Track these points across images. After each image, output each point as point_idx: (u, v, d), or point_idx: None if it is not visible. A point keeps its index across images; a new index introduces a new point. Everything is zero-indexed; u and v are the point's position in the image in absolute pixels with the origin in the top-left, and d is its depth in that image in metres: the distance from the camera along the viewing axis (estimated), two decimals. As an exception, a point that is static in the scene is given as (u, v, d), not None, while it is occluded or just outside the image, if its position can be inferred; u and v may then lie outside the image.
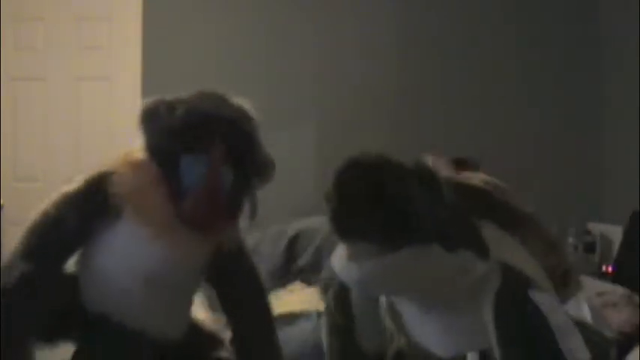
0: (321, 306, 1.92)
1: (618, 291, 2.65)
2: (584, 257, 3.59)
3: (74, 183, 1.31)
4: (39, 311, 1.17)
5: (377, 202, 1.03)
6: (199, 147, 1.15)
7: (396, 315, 1.31)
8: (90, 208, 1.21)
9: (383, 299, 1.35)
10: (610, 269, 3.36)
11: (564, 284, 1.35)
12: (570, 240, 3.63)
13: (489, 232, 1.25)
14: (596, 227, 3.73)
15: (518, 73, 3.97)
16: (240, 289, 1.33)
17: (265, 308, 1.36)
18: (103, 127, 4.00)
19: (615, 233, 3.56)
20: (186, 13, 3.99)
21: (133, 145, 1.26)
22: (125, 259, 1.19)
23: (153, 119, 1.22)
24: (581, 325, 1.38)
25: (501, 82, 3.98)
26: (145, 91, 3.95)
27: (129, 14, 3.95)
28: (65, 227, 1.19)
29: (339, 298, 1.36)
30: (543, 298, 1.20)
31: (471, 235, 1.21)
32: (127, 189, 1.20)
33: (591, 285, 2.68)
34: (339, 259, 1.11)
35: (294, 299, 2.50)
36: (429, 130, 3.96)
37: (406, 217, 1.05)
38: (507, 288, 1.19)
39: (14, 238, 4.22)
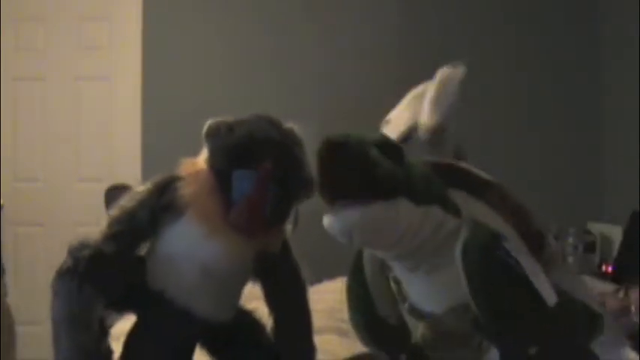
0: None
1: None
2: (584, 257, 3.59)
3: (147, 184, 1.61)
4: (112, 283, 1.43)
5: (343, 168, 1.28)
6: (249, 164, 1.40)
7: (399, 286, 1.49)
8: (158, 205, 1.48)
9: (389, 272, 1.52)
10: (610, 269, 3.36)
11: (540, 247, 1.43)
12: (570, 240, 3.63)
13: (458, 196, 1.41)
14: (596, 227, 3.74)
15: (518, 72, 3.98)
16: (283, 284, 1.53)
17: (303, 303, 1.55)
18: (103, 127, 4.00)
19: (615, 233, 3.56)
20: (186, 13, 3.99)
21: (200, 155, 1.56)
22: (184, 249, 1.43)
23: (214, 137, 1.53)
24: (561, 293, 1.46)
25: (501, 82, 3.98)
26: (145, 91, 3.95)
27: (129, 14, 3.95)
28: (138, 219, 1.46)
29: (355, 268, 1.57)
30: (511, 245, 1.33)
31: (439, 194, 1.38)
32: (189, 193, 1.45)
33: (591, 285, 2.68)
34: (325, 219, 1.32)
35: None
36: (429, 130, 3.96)
37: (364, 175, 1.27)
38: (474, 237, 1.32)
39: (14, 238, 4.26)
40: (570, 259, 3.57)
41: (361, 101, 3.96)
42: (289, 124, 1.58)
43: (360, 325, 1.58)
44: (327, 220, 1.31)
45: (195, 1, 4.02)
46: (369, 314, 1.54)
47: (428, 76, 1.84)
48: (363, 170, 1.27)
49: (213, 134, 1.52)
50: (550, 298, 1.31)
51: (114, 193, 4.07)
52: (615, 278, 3.14)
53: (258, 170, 1.39)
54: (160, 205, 1.48)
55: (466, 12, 3.98)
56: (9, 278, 3.85)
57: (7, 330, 3.78)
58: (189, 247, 1.43)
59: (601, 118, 3.96)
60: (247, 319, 1.56)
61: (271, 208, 1.39)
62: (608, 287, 2.71)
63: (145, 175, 3.94)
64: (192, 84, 3.98)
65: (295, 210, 1.49)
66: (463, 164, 1.59)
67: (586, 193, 3.93)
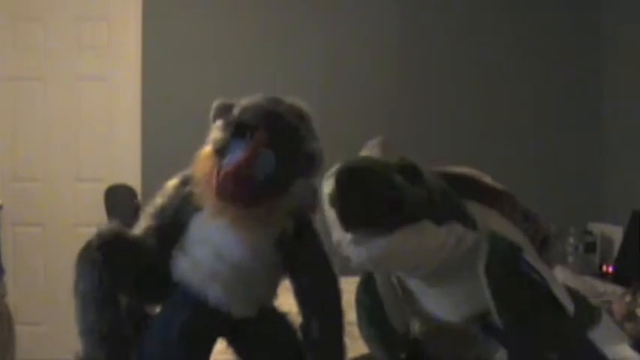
0: None
1: (618, 291, 2.65)
2: (584, 257, 3.59)
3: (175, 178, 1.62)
4: (125, 264, 1.44)
5: (369, 195, 1.24)
6: (245, 136, 1.40)
7: (407, 293, 1.49)
8: (182, 197, 1.49)
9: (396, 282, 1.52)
10: (610, 269, 3.36)
11: (545, 250, 1.50)
12: (570, 240, 3.62)
13: (473, 207, 1.42)
14: (596, 227, 3.73)
15: (518, 72, 3.98)
16: (311, 279, 1.49)
17: (333, 300, 1.50)
18: (102, 127, 4.00)
19: (615, 233, 3.56)
20: (185, 12, 3.99)
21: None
22: (201, 235, 1.44)
23: (216, 116, 1.56)
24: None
25: (502, 81, 3.98)
26: (145, 91, 3.95)
27: (129, 14, 3.95)
28: (166, 214, 1.50)
29: (366, 283, 1.56)
30: (529, 255, 1.36)
31: (457, 209, 1.38)
32: (197, 177, 1.46)
33: (591, 285, 2.68)
34: (346, 246, 1.29)
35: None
36: (430, 130, 3.96)
37: (393, 203, 1.25)
38: (495, 252, 1.34)
39: (14, 238, 4.26)
40: (570, 259, 3.57)
41: (361, 101, 3.97)
42: (294, 100, 1.56)
43: (375, 338, 1.56)
44: (351, 249, 1.28)
45: (194, 1, 4.02)
46: (384, 326, 1.53)
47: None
48: (390, 197, 1.24)
49: (216, 115, 1.54)
50: (570, 306, 1.35)
51: (114, 193, 4.10)
52: (615, 278, 3.14)
53: (253, 138, 1.38)
54: (183, 197, 1.49)
55: (466, 11, 3.98)
56: (9, 278, 3.85)
57: (7, 330, 3.78)
58: (204, 232, 1.44)
59: (601, 118, 3.95)
60: (275, 319, 1.52)
61: (265, 175, 1.36)
62: (611, 288, 2.71)
63: (145, 175, 3.94)
64: (192, 84, 3.97)
65: (314, 191, 1.45)
66: (471, 171, 1.60)
67: (586, 193, 3.93)
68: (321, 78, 3.96)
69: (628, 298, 2.39)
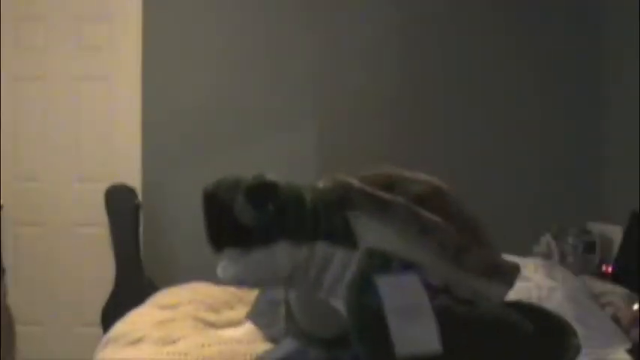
0: None
1: (618, 291, 2.65)
2: (584, 257, 3.59)
3: None
4: None
5: (216, 219, 1.34)
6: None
7: (289, 307, 1.54)
8: None
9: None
10: (610, 269, 3.36)
11: (461, 260, 1.39)
12: (570, 240, 3.63)
13: (361, 221, 1.38)
14: (596, 227, 3.73)
15: (518, 73, 3.97)
16: None
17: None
18: (103, 127, 4.00)
19: (615, 233, 3.56)
20: (186, 12, 3.99)
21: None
22: None
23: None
24: (526, 306, 1.46)
25: (502, 82, 3.98)
26: (145, 91, 3.95)
27: (129, 14, 3.95)
28: None
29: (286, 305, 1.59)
30: (389, 277, 1.28)
31: (326, 228, 1.36)
32: None
33: (591, 285, 2.69)
34: (219, 269, 1.37)
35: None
36: (430, 131, 3.96)
37: (236, 227, 1.31)
38: (358, 270, 1.31)
39: (14, 238, 4.27)
40: (570, 259, 3.57)
41: (361, 101, 3.97)
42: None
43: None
44: (218, 270, 1.35)
45: (194, 1, 4.02)
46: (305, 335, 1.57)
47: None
48: (229, 221, 1.31)
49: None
50: (405, 344, 1.24)
51: (114, 193, 4.12)
52: (615, 278, 3.14)
53: None
54: None
55: (466, 12, 3.98)
56: (9, 278, 3.86)
57: (7, 330, 3.78)
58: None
59: (601, 118, 3.95)
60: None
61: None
62: (610, 288, 2.71)
63: (145, 175, 3.94)
64: (192, 84, 3.98)
65: None
66: (380, 175, 1.53)
67: (586, 193, 3.93)
68: (321, 78, 3.96)
69: (636, 306, 2.40)
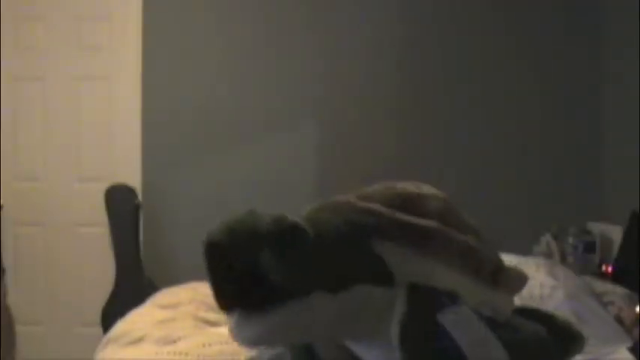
0: None
1: (618, 291, 2.65)
2: (584, 257, 3.59)
3: None
4: None
5: (231, 276, 1.11)
6: None
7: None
8: None
9: None
10: (610, 269, 3.36)
11: (494, 281, 1.32)
12: (570, 240, 3.63)
13: (393, 254, 1.23)
14: (596, 227, 3.74)
15: (518, 73, 3.98)
16: None
17: None
18: (102, 127, 4.00)
19: (615, 233, 3.56)
20: (186, 13, 3.99)
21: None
22: None
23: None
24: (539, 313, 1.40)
25: (502, 82, 3.98)
26: (145, 91, 3.95)
27: (129, 14, 3.95)
28: None
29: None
30: (452, 315, 1.19)
31: (360, 270, 1.20)
32: None
33: (591, 285, 2.69)
34: (230, 330, 1.16)
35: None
36: (430, 130, 3.96)
37: (263, 283, 1.11)
38: (410, 311, 1.18)
39: (14, 238, 4.27)
40: (570, 259, 3.57)
41: (361, 101, 3.97)
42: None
43: None
44: (233, 333, 1.16)
45: (195, 1, 4.02)
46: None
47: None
48: (244, 275, 1.10)
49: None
50: None
51: (114, 193, 4.12)
52: (615, 278, 3.14)
53: None
54: None
55: (466, 13, 3.98)
56: (9, 278, 3.86)
57: (7, 330, 3.78)
58: None
59: (601, 118, 3.96)
60: None
61: None
62: (610, 288, 2.71)
63: (145, 175, 3.94)
64: (192, 84, 3.98)
65: None
66: (404, 194, 1.35)
67: (586, 193, 3.93)
68: (321, 78, 3.96)
69: (638, 308, 2.40)
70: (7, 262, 3.85)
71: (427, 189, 1.40)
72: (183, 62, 3.98)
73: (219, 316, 2.43)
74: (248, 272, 1.10)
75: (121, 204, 3.81)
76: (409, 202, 1.31)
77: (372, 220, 1.23)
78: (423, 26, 3.98)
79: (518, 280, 1.41)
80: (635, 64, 3.50)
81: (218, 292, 1.13)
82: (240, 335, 1.15)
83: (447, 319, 1.18)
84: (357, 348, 1.31)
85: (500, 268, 1.35)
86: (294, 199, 3.88)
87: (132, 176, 3.92)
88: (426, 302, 1.19)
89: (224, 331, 2.17)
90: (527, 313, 1.43)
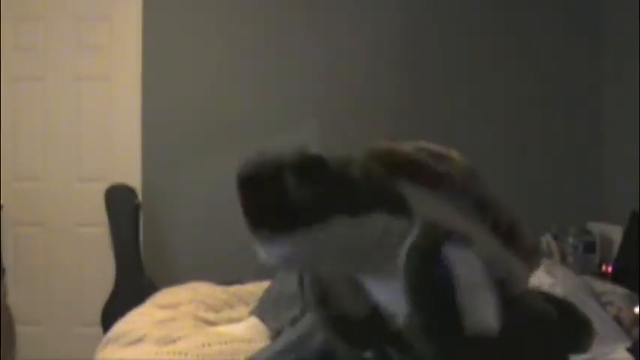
0: None
1: (618, 291, 2.65)
2: (584, 257, 3.59)
3: None
4: None
5: (259, 199, 1.21)
6: None
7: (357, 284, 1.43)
8: None
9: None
10: (610, 269, 3.36)
11: (511, 238, 1.35)
12: (570, 240, 3.63)
13: (410, 190, 1.30)
14: (596, 227, 3.74)
15: (518, 72, 3.98)
16: None
17: None
18: (102, 127, 4.00)
19: (615, 233, 3.56)
20: (185, 13, 3.99)
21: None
22: None
23: None
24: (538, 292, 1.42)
25: (502, 81, 3.98)
26: (145, 91, 3.96)
27: (129, 14, 3.95)
28: None
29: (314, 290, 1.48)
30: (455, 252, 1.23)
31: (385, 196, 1.28)
32: None
33: (591, 285, 2.69)
34: (260, 252, 1.25)
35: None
36: (430, 130, 3.96)
37: (285, 208, 1.20)
38: (417, 240, 1.24)
39: (14, 238, 4.27)
40: (570, 259, 3.57)
41: (361, 101, 3.97)
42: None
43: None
44: (261, 253, 1.24)
45: (195, 1, 4.02)
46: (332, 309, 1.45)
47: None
48: (274, 202, 1.20)
49: None
50: (490, 318, 1.21)
51: (114, 193, 4.12)
52: (615, 278, 3.14)
53: None
54: None
55: (466, 12, 3.98)
56: (9, 278, 3.86)
57: (7, 330, 3.78)
58: None
59: (601, 118, 3.96)
60: None
61: None
62: (610, 288, 2.71)
63: (145, 175, 3.94)
64: (192, 84, 3.98)
65: None
66: (419, 149, 1.44)
67: (586, 193, 3.93)
68: (321, 78, 3.96)
69: (637, 309, 2.41)
70: (7, 262, 3.85)
71: (457, 154, 1.46)
72: (183, 62, 3.98)
73: (219, 315, 2.43)
74: (276, 200, 1.19)
75: (121, 204, 3.81)
76: (436, 156, 1.39)
77: (396, 159, 1.32)
78: (423, 26, 3.98)
79: (534, 252, 1.43)
80: (635, 64, 3.50)
81: (251, 220, 1.21)
82: (269, 252, 1.22)
83: (449, 251, 1.22)
84: (372, 286, 1.35)
85: (516, 232, 1.37)
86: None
87: (132, 176, 3.93)
88: (436, 236, 1.23)
89: (224, 330, 2.17)
90: (542, 295, 1.43)
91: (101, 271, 3.87)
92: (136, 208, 3.83)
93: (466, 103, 3.98)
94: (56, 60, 4.00)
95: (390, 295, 1.33)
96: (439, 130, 3.97)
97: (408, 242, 1.23)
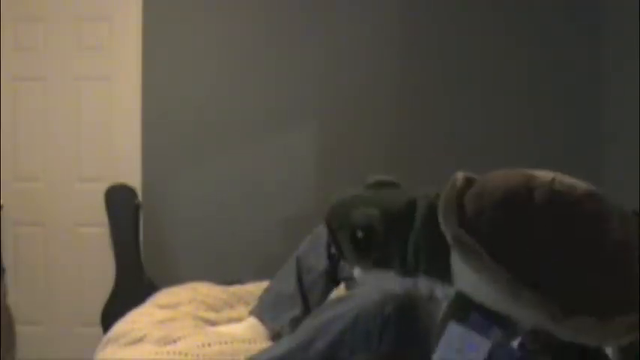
0: None
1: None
2: (584, 257, 3.58)
3: None
4: None
5: (350, 233, 1.45)
6: None
7: None
8: None
9: None
10: (610, 269, 3.35)
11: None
12: (570, 240, 3.62)
13: (456, 260, 1.27)
14: (596, 227, 3.73)
15: (518, 71, 3.98)
16: None
17: None
18: (103, 127, 4.00)
19: (615, 233, 3.55)
20: (186, 13, 3.99)
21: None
22: None
23: None
24: None
25: (502, 80, 3.98)
26: (145, 91, 3.96)
27: (129, 14, 3.95)
28: None
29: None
30: (462, 330, 1.19)
31: (437, 261, 1.30)
32: None
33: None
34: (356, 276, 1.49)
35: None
36: (430, 130, 3.96)
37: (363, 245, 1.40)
38: (447, 310, 1.27)
39: (14, 238, 4.27)
40: (570, 259, 3.57)
41: (361, 101, 3.97)
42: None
43: None
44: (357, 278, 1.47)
45: (195, 1, 4.02)
46: None
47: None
48: (361, 238, 1.43)
49: None
50: None
51: (114, 193, 4.12)
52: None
53: None
54: None
55: (466, 12, 3.98)
56: (9, 278, 3.86)
57: (7, 330, 3.78)
58: None
59: (601, 118, 3.96)
60: None
61: None
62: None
63: (145, 175, 3.95)
64: (192, 84, 3.98)
65: None
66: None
67: (586, 193, 3.92)
68: (321, 78, 3.96)
69: None
70: (7, 262, 3.85)
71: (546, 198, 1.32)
72: (183, 62, 3.98)
73: (219, 315, 2.43)
74: (356, 234, 1.38)
75: (121, 204, 3.82)
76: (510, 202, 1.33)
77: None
78: (423, 26, 3.98)
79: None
80: (635, 64, 3.50)
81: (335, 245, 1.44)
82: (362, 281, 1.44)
83: (451, 327, 1.19)
84: None
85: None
86: (295, 199, 3.88)
87: (132, 176, 3.93)
88: (454, 310, 1.25)
89: (224, 330, 2.17)
90: None
91: (101, 271, 3.87)
92: (136, 208, 3.83)
93: (466, 103, 3.98)
94: (56, 60, 4.00)
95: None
96: (439, 129, 3.98)
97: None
